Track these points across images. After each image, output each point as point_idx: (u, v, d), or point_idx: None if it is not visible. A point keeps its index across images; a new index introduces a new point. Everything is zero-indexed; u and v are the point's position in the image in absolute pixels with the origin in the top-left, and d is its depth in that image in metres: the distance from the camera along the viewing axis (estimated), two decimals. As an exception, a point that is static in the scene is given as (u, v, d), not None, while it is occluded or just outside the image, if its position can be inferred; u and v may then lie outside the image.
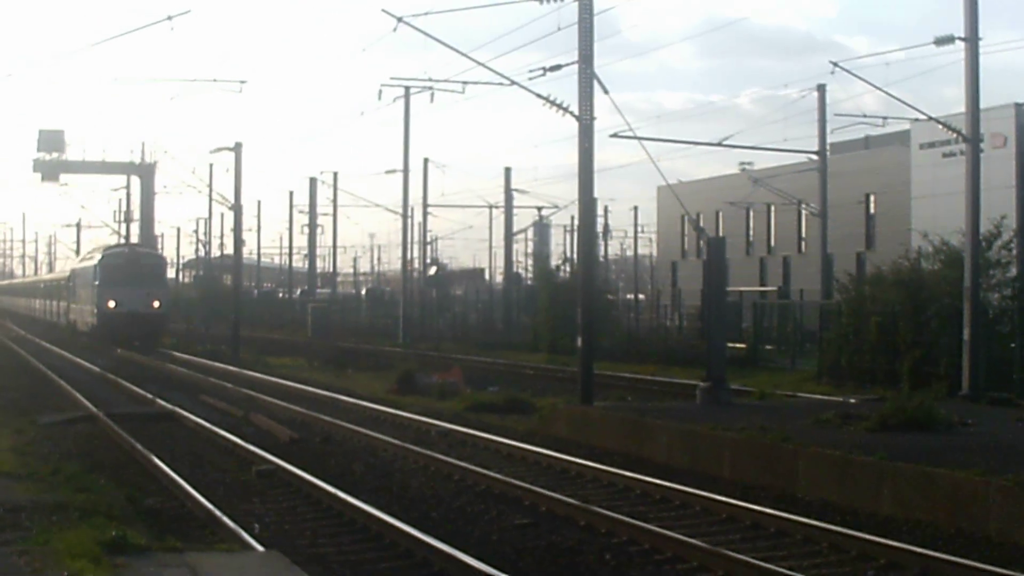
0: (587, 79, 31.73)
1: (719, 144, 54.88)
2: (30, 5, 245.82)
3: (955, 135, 34.22)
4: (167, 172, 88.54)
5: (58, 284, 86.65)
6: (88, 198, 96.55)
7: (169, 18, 31.39)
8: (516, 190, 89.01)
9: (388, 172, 78.55)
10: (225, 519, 17.77)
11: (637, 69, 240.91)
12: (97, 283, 67.59)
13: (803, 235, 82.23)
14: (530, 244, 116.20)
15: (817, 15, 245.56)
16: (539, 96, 32.79)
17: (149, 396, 37.36)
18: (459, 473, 22.54)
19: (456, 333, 77.87)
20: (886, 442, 21.65)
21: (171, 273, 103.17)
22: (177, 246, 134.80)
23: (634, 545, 16.85)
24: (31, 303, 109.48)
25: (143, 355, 59.88)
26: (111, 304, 66.32)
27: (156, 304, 67.30)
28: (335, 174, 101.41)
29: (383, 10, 34.70)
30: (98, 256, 70.39)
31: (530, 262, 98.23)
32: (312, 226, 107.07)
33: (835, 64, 38.49)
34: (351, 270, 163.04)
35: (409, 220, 77.70)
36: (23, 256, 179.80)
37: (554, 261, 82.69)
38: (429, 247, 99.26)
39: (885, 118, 54.27)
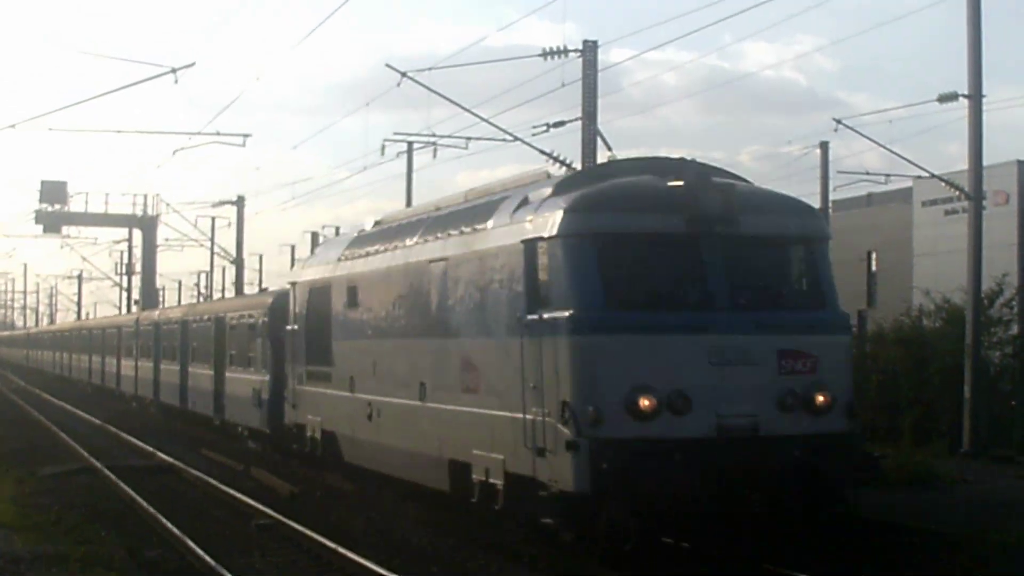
0: (591, 136, 31.89)
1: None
2: (34, 56, 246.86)
3: (958, 193, 34.28)
4: (169, 225, 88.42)
5: (225, 328, 42.03)
6: (89, 250, 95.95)
7: (173, 71, 31.41)
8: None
9: (391, 227, 78.58)
10: (225, 573, 17.73)
11: (639, 126, 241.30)
12: (571, 317, 17.70)
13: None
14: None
15: (819, 71, 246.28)
16: (543, 152, 32.93)
17: (149, 449, 37.30)
18: (462, 527, 22.45)
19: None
20: (886, 499, 21.60)
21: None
22: (179, 300, 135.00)
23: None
24: (117, 367, 64.70)
25: None
26: (646, 405, 17.33)
27: (824, 399, 18.14)
28: (336, 228, 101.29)
29: (387, 65, 34.88)
30: (545, 190, 19.69)
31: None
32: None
33: (838, 121, 38.51)
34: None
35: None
36: (24, 308, 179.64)
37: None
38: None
39: (888, 175, 54.44)
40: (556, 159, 32.44)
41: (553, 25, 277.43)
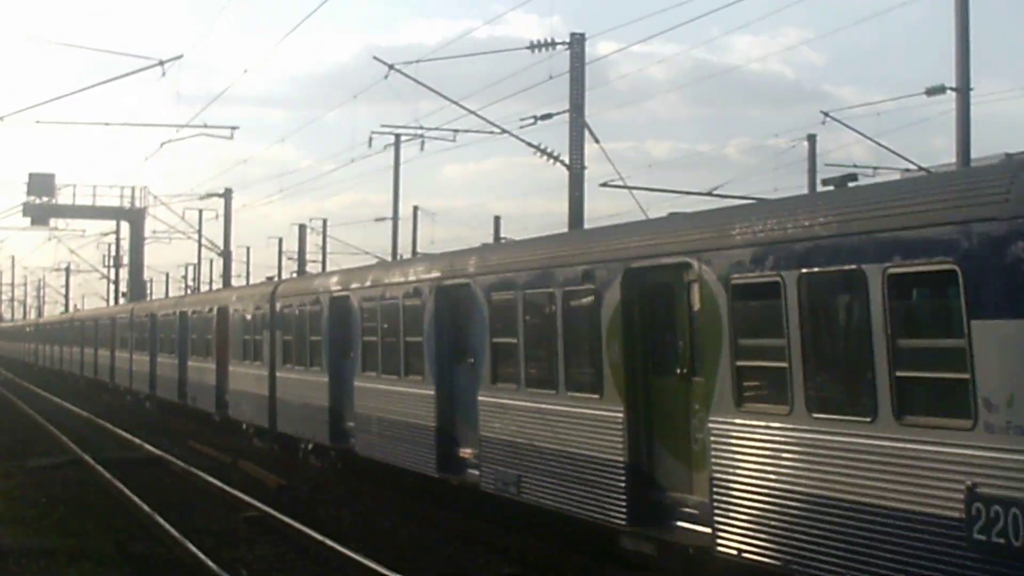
0: (578, 128, 31.90)
1: (709, 194, 54.92)
2: (20, 49, 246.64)
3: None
4: (157, 217, 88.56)
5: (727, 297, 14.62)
6: (77, 242, 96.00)
7: (161, 63, 31.38)
8: (504, 238, 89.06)
9: (378, 220, 78.58)
10: (213, 565, 17.72)
11: (625, 118, 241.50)
12: None
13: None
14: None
15: (805, 64, 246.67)
16: (530, 145, 32.98)
17: (137, 441, 37.25)
18: (448, 521, 22.46)
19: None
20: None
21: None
22: (166, 292, 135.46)
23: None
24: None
25: None
26: None
27: None
28: (324, 221, 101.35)
29: (375, 57, 34.96)
30: None
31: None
32: (301, 273, 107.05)
33: (826, 114, 38.56)
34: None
35: (399, 267, 77.45)
36: (12, 300, 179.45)
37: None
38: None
39: (876, 168, 54.34)
40: (544, 152, 32.46)
41: (539, 18, 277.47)
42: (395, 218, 72.05)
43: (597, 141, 32.61)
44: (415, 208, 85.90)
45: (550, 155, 32.53)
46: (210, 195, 72.64)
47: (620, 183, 37.24)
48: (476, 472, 21.19)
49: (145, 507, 23.33)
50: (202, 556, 18.39)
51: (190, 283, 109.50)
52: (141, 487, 26.56)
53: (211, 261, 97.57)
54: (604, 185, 42.95)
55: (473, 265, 21.80)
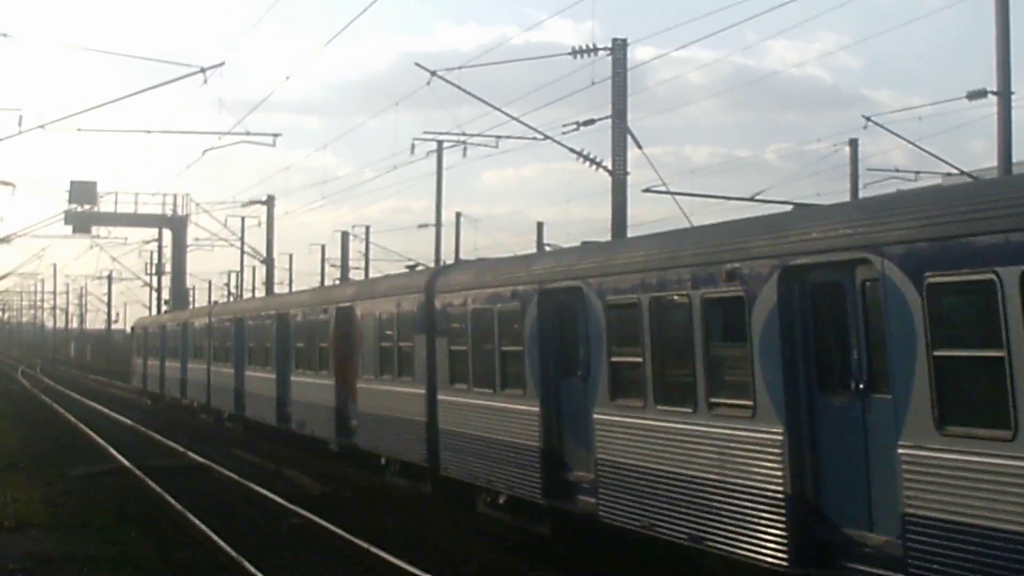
0: (621, 134, 31.79)
1: (751, 199, 54.65)
2: (63, 57, 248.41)
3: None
4: (199, 225, 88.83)
5: None
6: (119, 250, 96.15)
7: (203, 71, 31.43)
8: (548, 245, 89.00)
9: (420, 226, 78.62)
10: (257, 573, 17.68)
11: (664, 123, 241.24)
12: None
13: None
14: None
15: (843, 69, 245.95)
16: (573, 151, 32.87)
17: (180, 449, 37.32)
18: (492, 528, 22.38)
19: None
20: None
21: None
22: (209, 300, 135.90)
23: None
24: None
25: None
26: None
27: None
28: (367, 228, 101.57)
29: (417, 64, 34.85)
30: None
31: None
32: (344, 280, 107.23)
33: (868, 119, 38.31)
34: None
35: (441, 274, 77.28)
36: (54, 308, 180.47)
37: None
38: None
39: (917, 172, 54.04)
40: (587, 158, 32.37)
41: (574, 24, 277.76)
42: (438, 225, 71.97)
43: (640, 147, 32.49)
44: (458, 215, 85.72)
45: (593, 161, 32.42)
46: (252, 202, 72.81)
47: (663, 188, 37.14)
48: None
49: (189, 514, 23.35)
50: (246, 563, 18.35)
51: (233, 291, 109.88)
52: (183, 494, 26.57)
53: (253, 268, 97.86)
54: (647, 191, 42.78)
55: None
